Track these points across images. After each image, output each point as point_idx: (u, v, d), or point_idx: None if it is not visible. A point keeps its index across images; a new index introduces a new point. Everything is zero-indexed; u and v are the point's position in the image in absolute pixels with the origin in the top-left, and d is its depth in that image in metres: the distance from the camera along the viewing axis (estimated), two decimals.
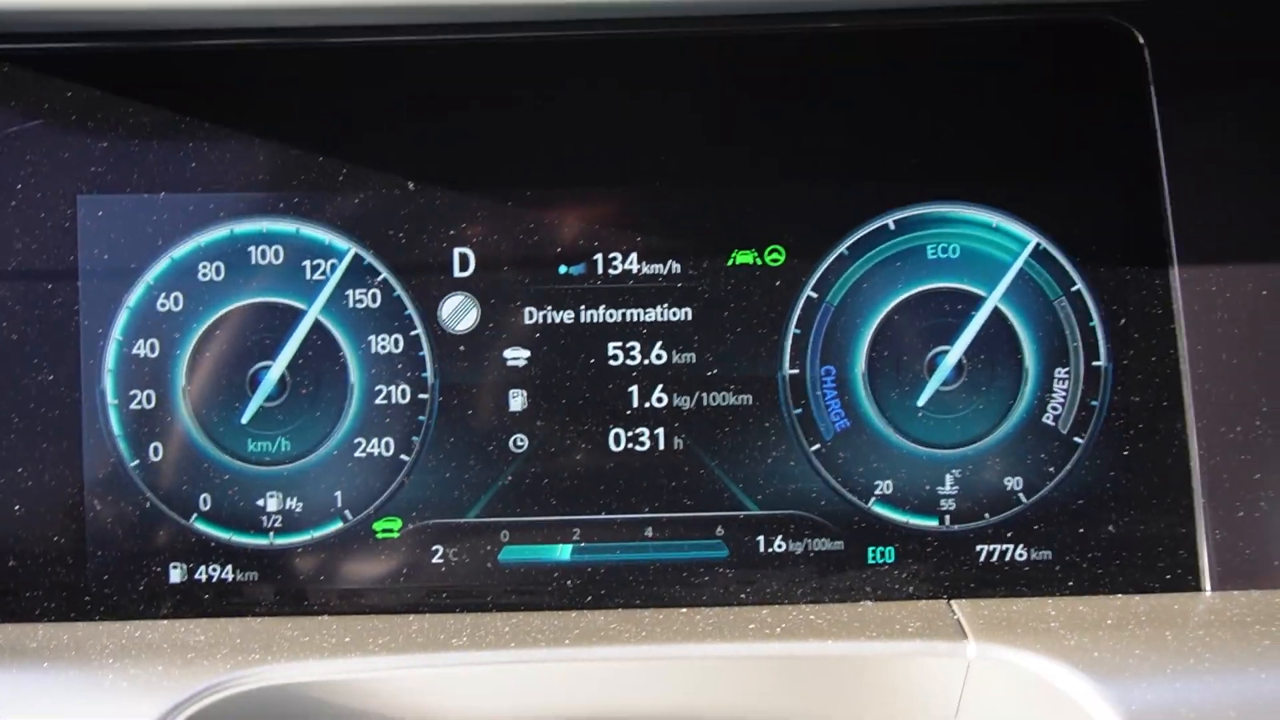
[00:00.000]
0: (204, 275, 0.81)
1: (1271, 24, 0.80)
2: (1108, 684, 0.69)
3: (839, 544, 0.81)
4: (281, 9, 0.75)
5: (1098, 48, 0.81)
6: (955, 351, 0.81)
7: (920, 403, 0.81)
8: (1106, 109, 0.81)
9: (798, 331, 0.81)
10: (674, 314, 0.81)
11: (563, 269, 0.81)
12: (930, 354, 0.81)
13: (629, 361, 0.81)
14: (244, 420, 0.81)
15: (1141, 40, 0.80)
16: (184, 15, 0.76)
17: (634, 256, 0.81)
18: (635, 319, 0.81)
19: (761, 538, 0.81)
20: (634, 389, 0.81)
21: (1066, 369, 0.81)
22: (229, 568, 0.81)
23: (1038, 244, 0.81)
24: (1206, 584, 0.80)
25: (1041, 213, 0.81)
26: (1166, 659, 0.71)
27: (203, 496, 0.81)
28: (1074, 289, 0.81)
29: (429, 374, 0.81)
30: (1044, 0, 0.77)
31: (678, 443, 0.81)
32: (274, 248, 0.81)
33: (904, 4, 0.77)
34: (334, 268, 0.81)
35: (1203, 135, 0.81)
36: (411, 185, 0.81)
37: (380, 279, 0.81)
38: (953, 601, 0.79)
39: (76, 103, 0.81)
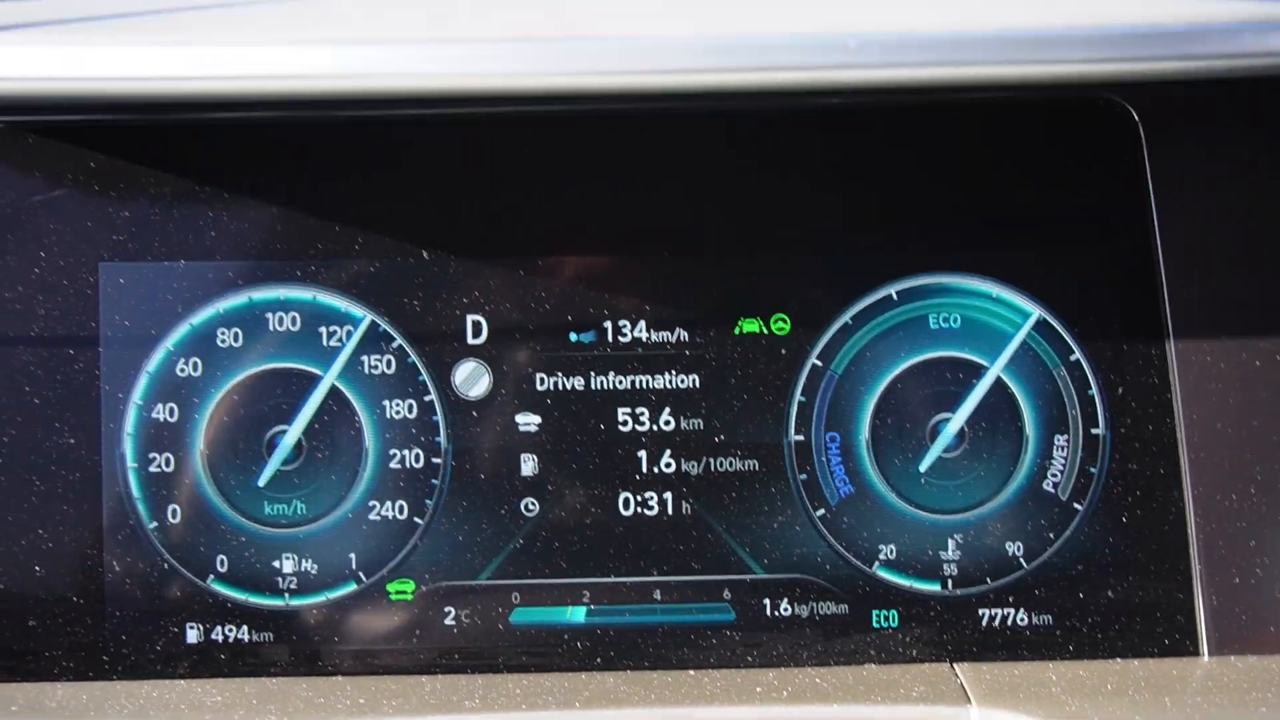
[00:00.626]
0: (223, 341, 0.83)
1: (1262, 102, 0.82)
2: None
3: (843, 607, 0.83)
4: (300, 93, 0.77)
5: (1095, 124, 0.83)
6: (957, 419, 0.83)
7: (923, 468, 0.83)
8: (1103, 183, 0.83)
9: (803, 399, 0.83)
10: (682, 381, 0.83)
11: (573, 336, 0.83)
12: (933, 421, 0.83)
13: (638, 427, 0.83)
14: (260, 483, 0.83)
15: (1137, 118, 0.82)
16: (204, 92, 0.78)
17: (643, 324, 0.83)
18: (644, 386, 0.83)
19: (767, 601, 0.82)
20: (643, 454, 0.83)
21: (1066, 436, 0.83)
22: (245, 628, 0.82)
23: (1040, 316, 0.83)
24: (1204, 649, 0.81)
25: (1040, 284, 0.83)
26: None
27: (219, 558, 0.82)
28: (1073, 358, 0.83)
29: (442, 439, 0.83)
30: (1043, 80, 0.79)
31: (686, 507, 0.83)
32: (291, 314, 0.83)
33: (906, 83, 0.79)
34: (350, 334, 0.83)
35: (1196, 208, 0.83)
36: (426, 254, 0.83)
37: (395, 345, 0.83)
38: (955, 665, 0.81)
39: (99, 173, 0.83)
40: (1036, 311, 0.83)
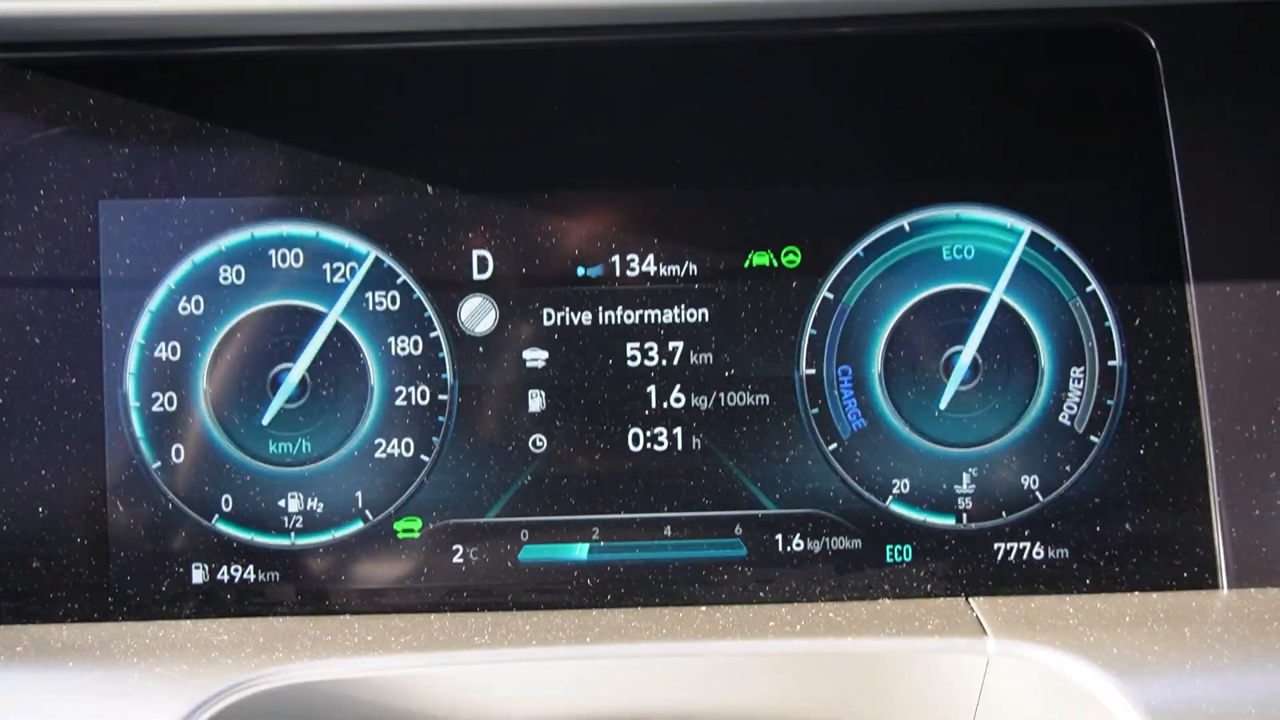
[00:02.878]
0: (225, 279, 0.82)
1: None
2: (1128, 680, 0.70)
3: (857, 542, 0.81)
4: (299, 13, 0.76)
5: (1111, 52, 0.81)
6: (968, 350, 0.82)
7: (942, 406, 0.81)
8: (1120, 112, 0.82)
9: (814, 332, 0.82)
10: (691, 315, 0.82)
11: (581, 271, 0.82)
12: (945, 354, 0.82)
13: (647, 362, 0.82)
14: (265, 422, 0.82)
15: (1154, 45, 0.81)
16: (203, 22, 0.77)
17: (651, 258, 0.82)
18: (653, 320, 0.82)
19: (780, 536, 0.81)
20: (652, 389, 0.82)
21: (1082, 369, 0.82)
22: (251, 568, 0.81)
23: (1033, 232, 0.81)
24: (1223, 582, 0.80)
25: (1057, 216, 0.81)
26: (1186, 656, 0.71)
27: (224, 497, 0.81)
28: (1089, 290, 0.82)
29: (448, 375, 0.82)
30: (1057, 5, 0.77)
31: (696, 442, 0.82)
32: (294, 251, 0.82)
33: (917, 10, 0.78)
34: (354, 271, 0.82)
35: (1214, 138, 0.81)
36: (430, 189, 0.82)
37: (400, 282, 0.82)
38: (971, 599, 0.80)
39: (98, 110, 0.82)
40: (1028, 228, 0.81)
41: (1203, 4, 0.79)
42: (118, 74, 0.82)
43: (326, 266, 0.82)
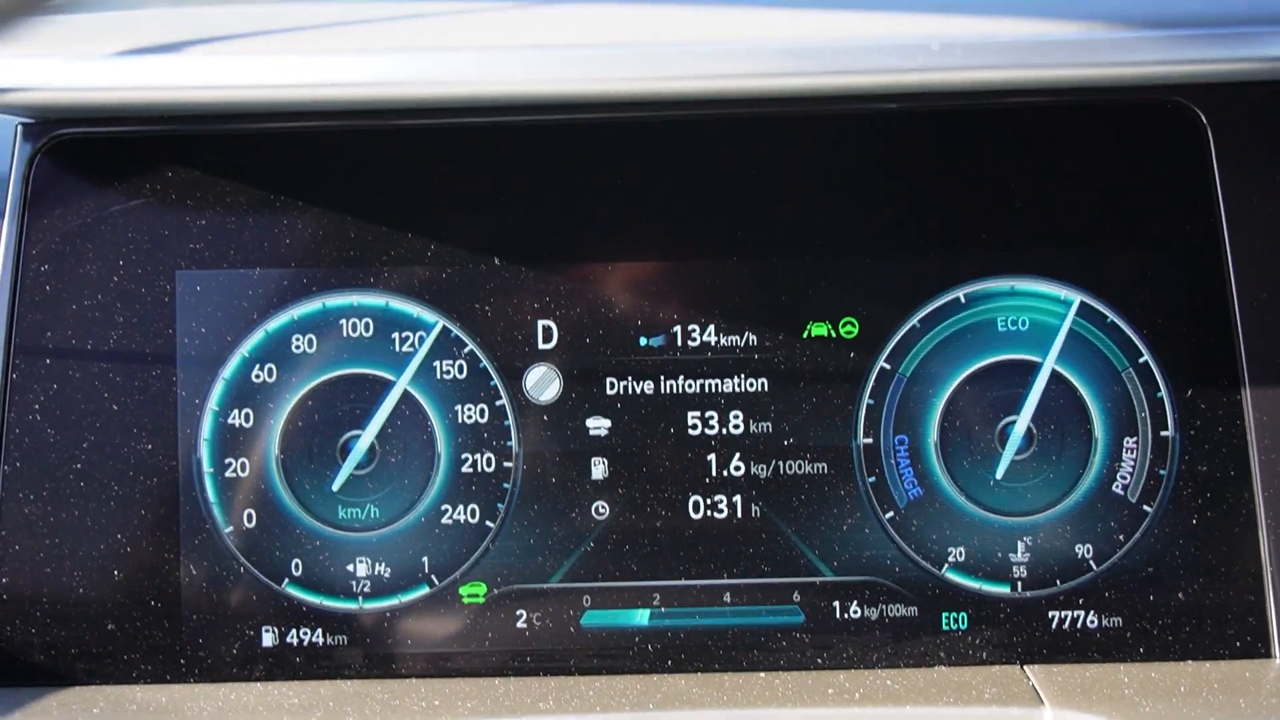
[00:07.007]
0: (297, 347, 0.84)
1: None
2: None
3: (913, 610, 0.83)
4: (371, 99, 0.79)
5: (1162, 127, 0.83)
6: (1022, 420, 0.83)
7: (999, 475, 0.83)
8: (1170, 184, 0.83)
9: (871, 402, 0.84)
10: (751, 384, 0.84)
11: (643, 341, 0.84)
12: (1000, 424, 0.83)
13: (707, 431, 0.84)
14: (334, 488, 0.84)
15: (1205, 120, 0.82)
16: (279, 102, 0.80)
17: (712, 329, 0.84)
18: (714, 389, 0.84)
19: (837, 604, 0.83)
20: (712, 457, 0.84)
21: (1135, 439, 0.83)
22: (319, 631, 0.83)
23: (1085, 303, 0.83)
24: (1276, 651, 0.81)
25: (1107, 286, 0.83)
26: None
27: (294, 562, 0.83)
28: (1141, 361, 0.83)
29: (513, 443, 0.84)
30: (1109, 82, 0.79)
31: (755, 510, 0.83)
32: (364, 320, 0.84)
33: (971, 87, 0.79)
34: (422, 340, 0.84)
35: (1265, 209, 0.83)
36: (497, 261, 0.84)
37: (467, 351, 0.84)
38: (1026, 667, 0.81)
39: (176, 183, 0.84)
40: (1078, 298, 0.82)
41: (1250, 80, 0.81)
42: (194, 148, 0.84)
43: (395, 336, 0.84)
